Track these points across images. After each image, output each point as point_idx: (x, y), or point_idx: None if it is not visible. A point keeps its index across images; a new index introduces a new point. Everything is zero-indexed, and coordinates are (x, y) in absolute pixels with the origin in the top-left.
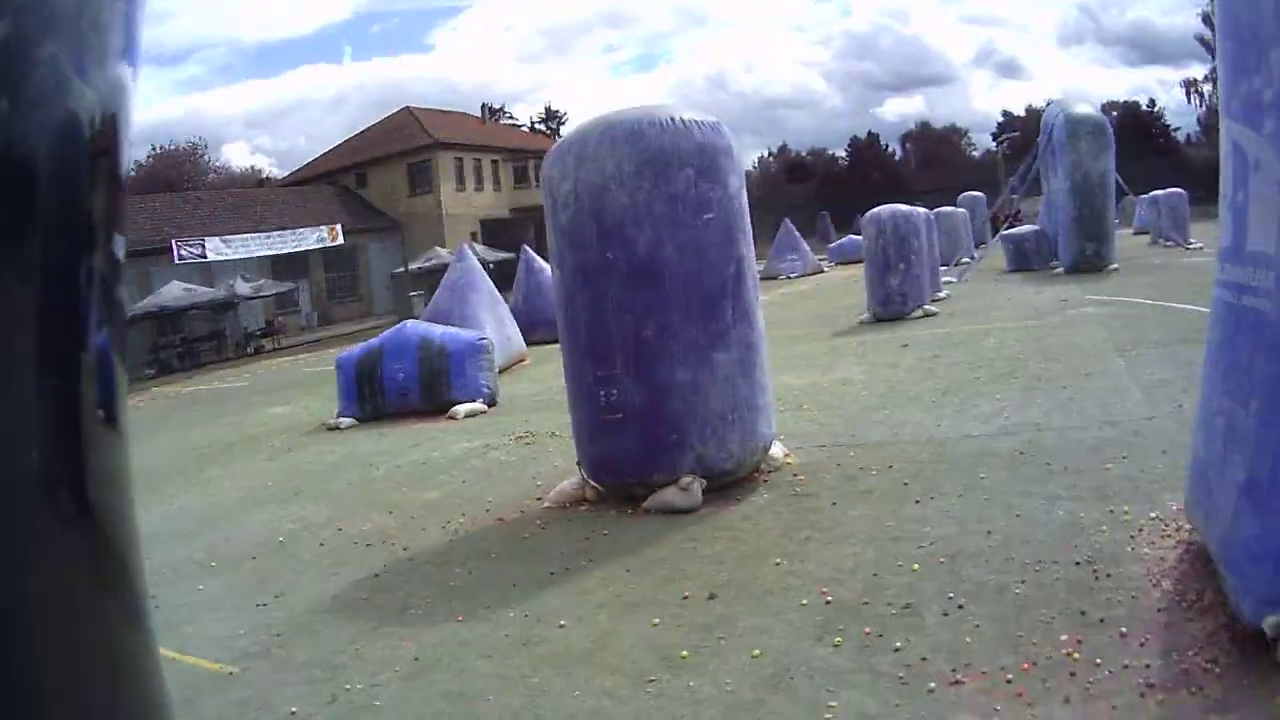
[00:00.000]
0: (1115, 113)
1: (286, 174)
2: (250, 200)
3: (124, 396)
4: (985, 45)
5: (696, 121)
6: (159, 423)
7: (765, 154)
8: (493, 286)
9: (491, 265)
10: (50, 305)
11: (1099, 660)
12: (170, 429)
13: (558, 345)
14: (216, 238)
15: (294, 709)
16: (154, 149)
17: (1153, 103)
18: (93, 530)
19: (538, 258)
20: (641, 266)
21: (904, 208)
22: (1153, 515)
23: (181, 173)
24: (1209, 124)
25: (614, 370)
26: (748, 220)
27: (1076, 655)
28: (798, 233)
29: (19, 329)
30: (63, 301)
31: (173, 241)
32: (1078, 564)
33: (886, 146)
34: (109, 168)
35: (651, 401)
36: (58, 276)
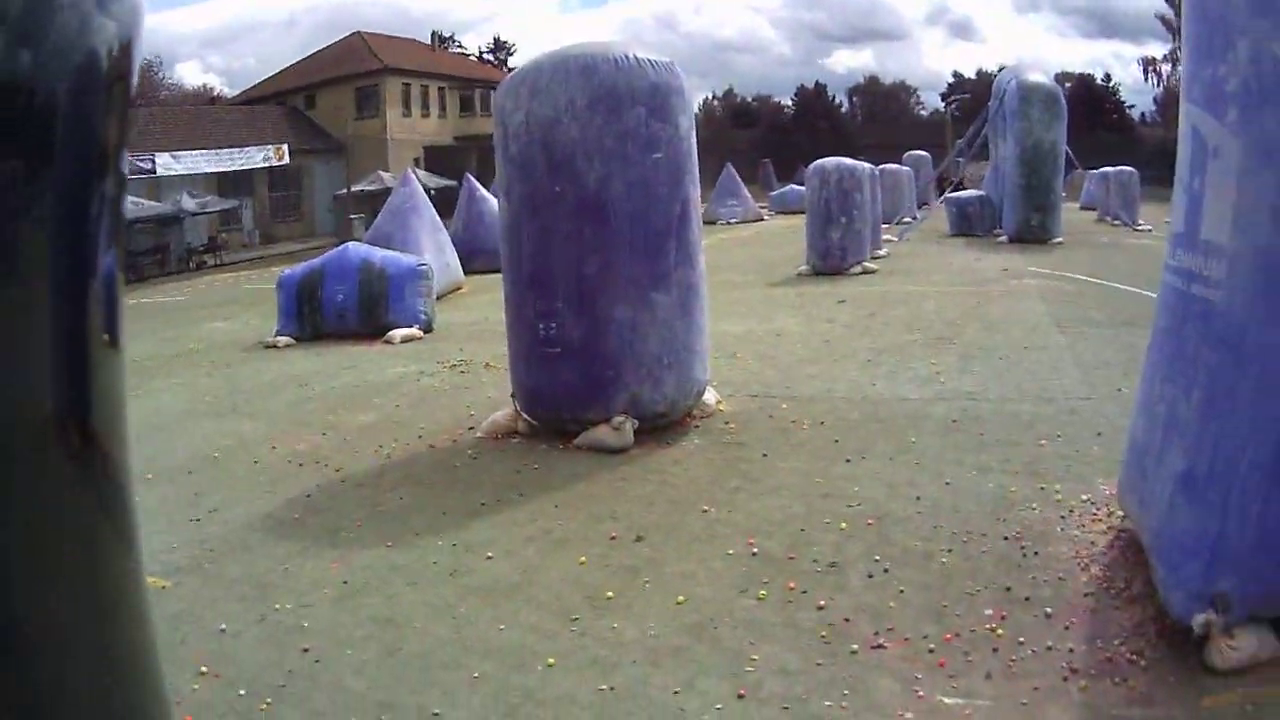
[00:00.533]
0: (1068, 84)
1: (237, 93)
2: (201, 118)
3: (124, 313)
4: (939, 4)
5: (650, 60)
6: None
7: (710, 97)
8: (434, 213)
9: (433, 192)
10: (65, 241)
11: (1022, 639)
12: None
13: (496, 275)
14: (166, 153)
15: (224, 626)
16: None
17: (1108, 77)
18: (95, 460)
19: (480, 187)
20: (589, 201)
21: (849, 161)
22: (1084, 497)
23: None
24: (1166, 104)
25: (555, 303)
26: (695, 162)
27: (1000, 631)
28: (739, 179)
29: (36, 272)
30: (77, 235)
31: None
32: (1006, 539)
33: (834, 98)
34: (122, 91)
35: (590, 337)
36: (73, 211)
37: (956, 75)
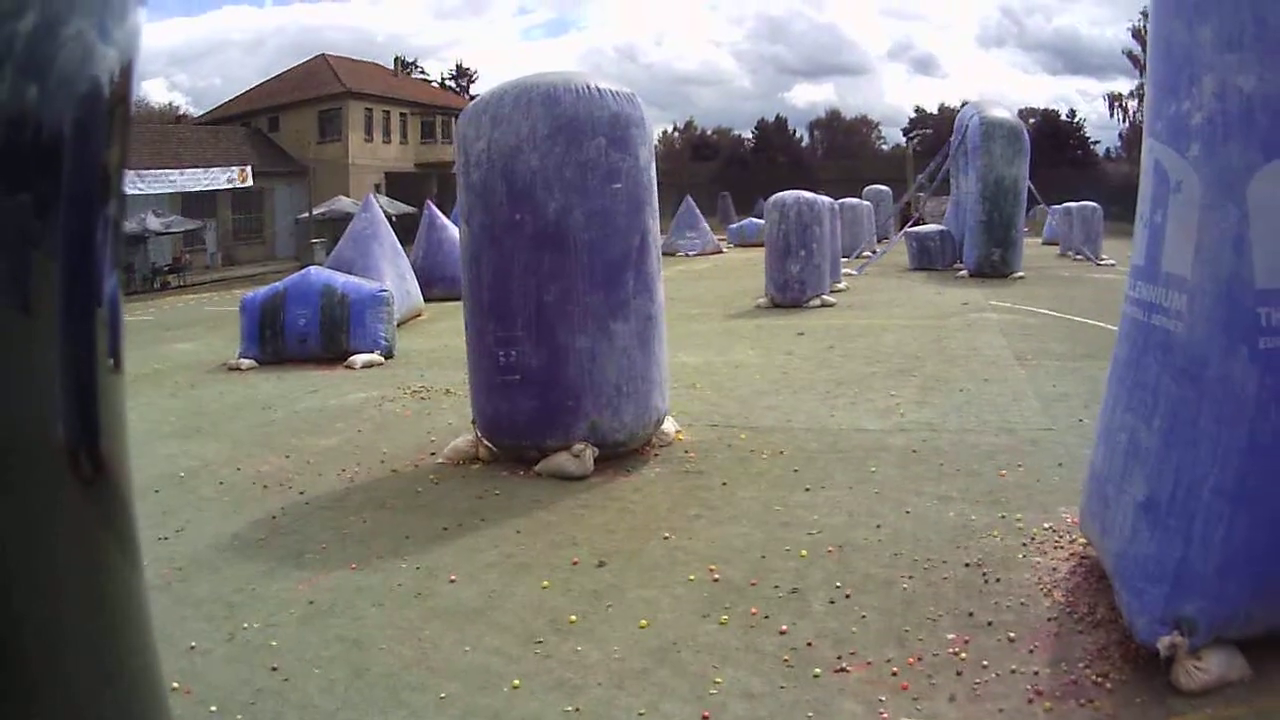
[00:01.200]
0: (1033, 120)
1: (202, 113)
2: (167, 136)
3: (124, 334)
4: (902, 39)
5: (612, 91)
6: None
7: (670, 129)
8: (395, 239)
9: (394, 218)
10: (74, 268)
11: (986, 663)
12: None
13: (456, 303)
14: (132, 171)
15: (194, 643)
16: None
17: (1073, 113)
18: (106, 484)
19: (440, 214)
20: (548, 230)
21: (809, 195)
22: (1046, 525)
23: None
24: (1131, 140)
25: (514, 331)
26: (655, 193)
27: (963, 655)
28: (698, 211)
29: (47, 301)
30: (85, 261)
31: None
32: (967, 565)
33: (794, 132)
34: (123, 114)
35: (549, 366)
36: (81, 238)
37: (918, 110)
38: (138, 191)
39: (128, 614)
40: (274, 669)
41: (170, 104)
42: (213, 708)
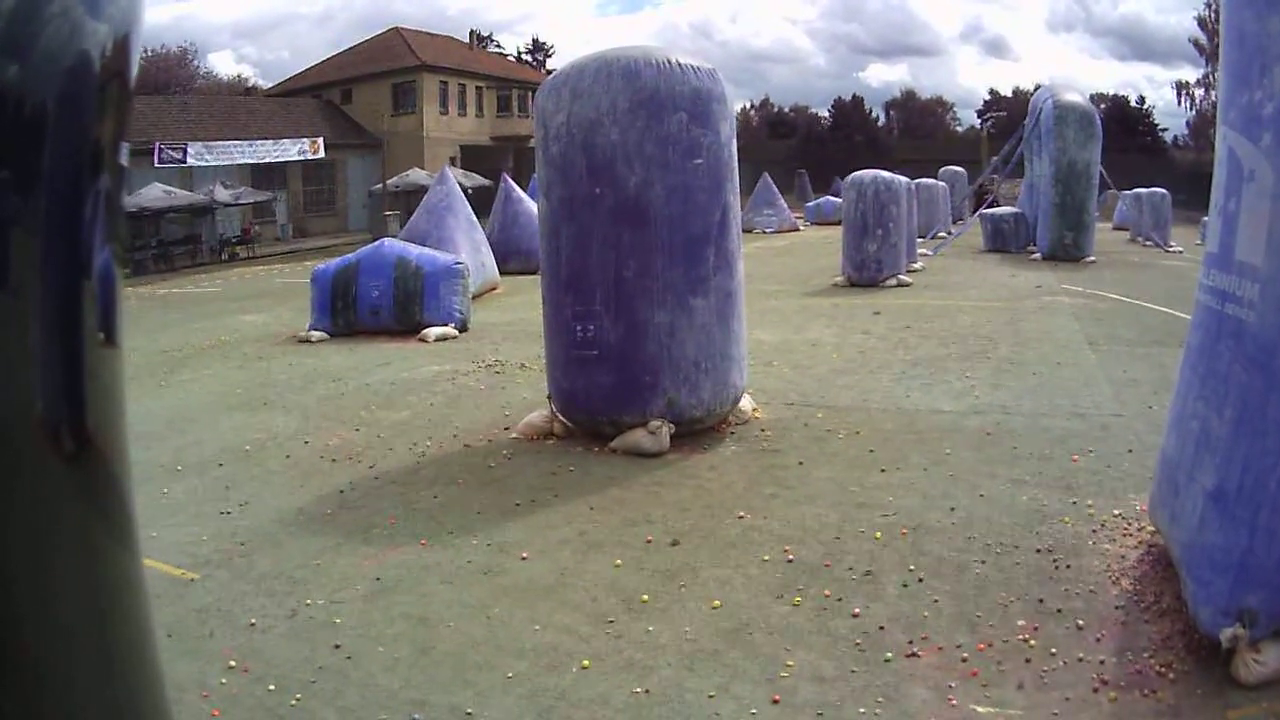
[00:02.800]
0: (1103, 105)
1: (271, 85)
2: (235, 108)
3: (122, 308)
4: (973, 21)
5: (693, 66)
6: (131, 324)
7: (747, 106)
8: (471, 212)
9: (470, 191)
10: (59, 244)
11: (1054, 650)
12: (142, 331)
13: (531, 276)
14: (199, 143)
15: (254, 620)
16: (145, 52)
17: (1142, 99)
18: (91, 461)
19: (516, 187)
20: (628, 205)
21: (886, 174)
22: (1116, 512)
23: (171, 77)
24: (1198, 127)
25: (593, 306)
26: (735, 169)
27: (1032, 642)
28: (776, 188)
29: (28, 277)
30: (71, 237)
31: (156, 144)
32: (1038, 551)
33: (870, 111)
34: (119, 87)
35: (627, 341)
36: (65, 214)
37: (992, 92)
38: (204, 163)
39: (119, 600)
40: (336, 646)
41: (239, 76)
42: (271, 686)
